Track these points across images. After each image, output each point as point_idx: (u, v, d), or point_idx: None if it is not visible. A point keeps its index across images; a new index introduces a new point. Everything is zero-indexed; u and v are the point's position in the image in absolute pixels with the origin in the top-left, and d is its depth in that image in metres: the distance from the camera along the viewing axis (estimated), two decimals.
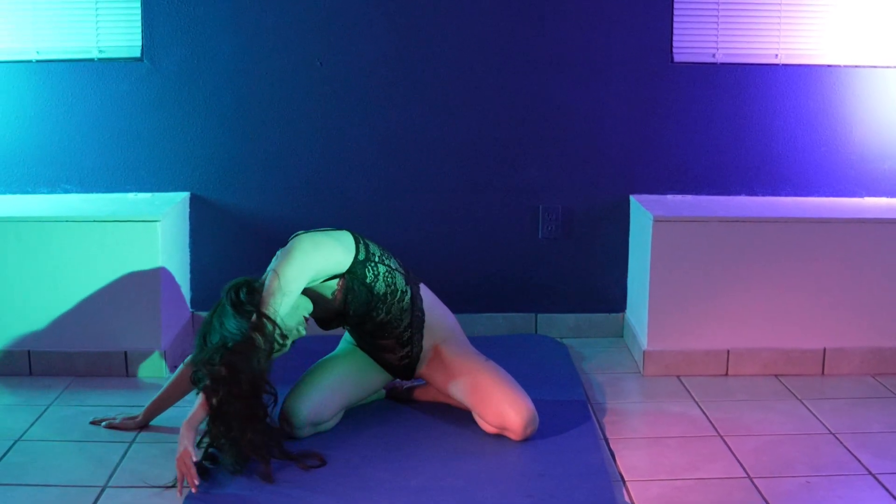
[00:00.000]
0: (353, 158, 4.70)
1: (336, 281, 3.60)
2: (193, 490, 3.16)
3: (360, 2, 4.62)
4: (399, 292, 3.68)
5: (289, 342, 3.50)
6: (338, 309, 3.65)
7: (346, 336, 3.93)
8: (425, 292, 3.80)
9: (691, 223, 4.30)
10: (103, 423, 3.73)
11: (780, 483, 3.31)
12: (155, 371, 4.26)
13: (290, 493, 3.20)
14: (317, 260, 3.51)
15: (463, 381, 3.68)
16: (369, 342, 3.78)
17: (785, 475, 3.36)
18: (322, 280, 3.58)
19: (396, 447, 3.54)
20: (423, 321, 3.75)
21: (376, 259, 3.64)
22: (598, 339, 4.82)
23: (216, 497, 3.17)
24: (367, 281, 3.60)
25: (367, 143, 4.69)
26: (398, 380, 3.94)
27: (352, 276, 3.59)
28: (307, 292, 3.59)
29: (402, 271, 3.72)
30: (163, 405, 3.71)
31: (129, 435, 3.65)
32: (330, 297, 3.61)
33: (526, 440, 3.57)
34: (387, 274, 3.65)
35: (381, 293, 3.64)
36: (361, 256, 3.60)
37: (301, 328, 3.58)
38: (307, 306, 3.61)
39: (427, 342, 3.77)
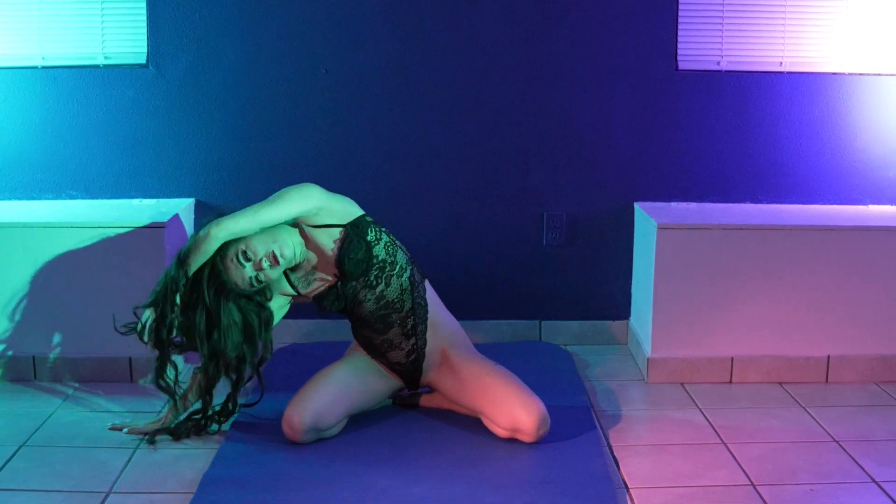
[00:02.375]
0: (357, 165, 4.70)
1: (338, 230, 3.65)
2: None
3: (365, 10, 4.63)
4: (398, 266, 3.72)
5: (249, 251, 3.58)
6: (335, 264, 3.67)
7: (353, 344, 3.93)
8: (430, 290, 3.83)
9: (695, 231, 4.30)
10: (124, 430, 3.74)
11: (783, 490, 3.31)
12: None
13: (291, 502, 3.20)
14: (315, 195, 3.64)
15: (472, 385, 3.69)
16: (374, 338, 3.78)
17: (788, 483, 3.36)
18: (323, 224, 3.64)
19: (400, 454, 3.54)
20: (427, 312, 3.78)
21: (382, 230, 3.72)
22: (602, 347, 4.82)
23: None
24: (368, 238, 3.66)
25: (371, 151, 4.70)
26: (404, 391, 3.94)
27: (354, 228, 3.66)
28: (309, 241, 3.67)
29: (407, 254, 3.77)
30: (180, 408, 3.75)
31: (133, 441, 3.66)
32: (331, 245, 3.66)
33: (536, 443, 3.57)
34: (389, 244, 3.72)
35: (379, 257, 3.68)
36: (369, 218, 3.70)
37: (279, 247, 3.61)
38: (300, 247, 3.68)
39: (433, 342, 3.79)
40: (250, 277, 3.59)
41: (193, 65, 4.63)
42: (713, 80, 4.71)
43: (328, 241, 3.67)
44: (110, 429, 3.77)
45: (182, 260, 3.57)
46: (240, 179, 4.70)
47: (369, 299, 3.71)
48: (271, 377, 4.17)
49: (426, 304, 3.79)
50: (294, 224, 3.70)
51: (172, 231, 4.32)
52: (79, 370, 4.26)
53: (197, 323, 3.60)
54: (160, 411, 3.79)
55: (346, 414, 3.71)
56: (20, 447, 3.61)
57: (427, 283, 3.83)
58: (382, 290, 3.71)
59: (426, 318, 3.79)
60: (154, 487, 3.31)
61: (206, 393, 3.72)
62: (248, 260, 3.58)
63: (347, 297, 3.72)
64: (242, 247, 3.59)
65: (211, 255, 3.56)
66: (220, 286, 3.59)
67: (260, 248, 3.59)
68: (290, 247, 3.64)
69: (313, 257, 3.72)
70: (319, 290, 3.75)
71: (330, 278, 3.72)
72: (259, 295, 3.69)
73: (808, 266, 4.30)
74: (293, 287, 3.77)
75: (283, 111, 4.68)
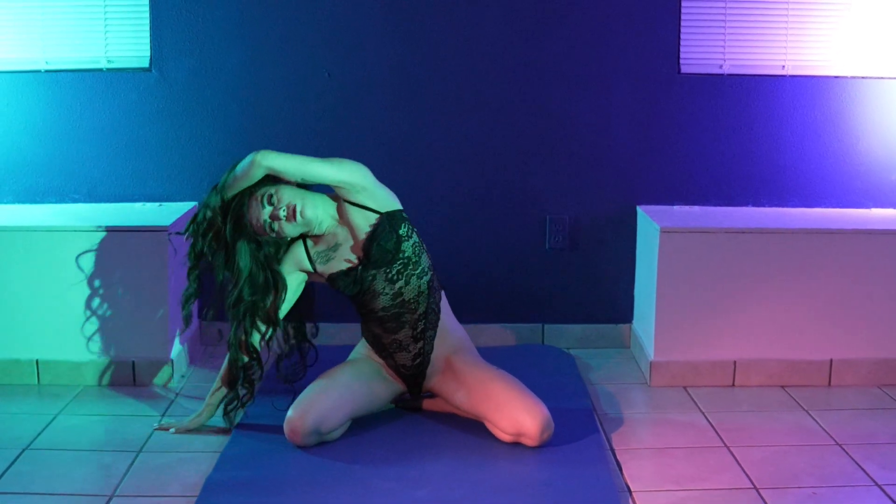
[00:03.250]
0: None
1: (374, 216, 3.69)
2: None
3: (367, 14, 4.63)
4: (421, 268, 3.75)
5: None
6: (362, 247, 3.69)
7: (357, 348, 3.94)
8: (444, 300, 3.86)
9: (698, 234, 4.30)
10: (171, 430, 3.77)
11: (786, 494, 3.31)
12: (163, 380, 4.27)
13: None
14: (365, 173, 3.71)
15: (475, 390, 3.69)
16: (384, 338, 3.79)
17: (791, 486, 3.36)
18: (362, 204, 3.68)
19: (403, 457, 3.54)
20: (438, 319, 3.80)
21: (414, 230, 3.76)
22: (605, 350, 4.82)
23: None
24: (400, 232, 3.70)
25: (374, 154, 4.69)
26: (407, 395, 3.95)
27: (389, 218, 3.70)
28: (343, 217, 3.71)
29: (430, 261, 3.81)
30: (217, 398, 3.79)
31: (137, 444, 3.66)
32: (365, 228, 3.69)
33: (540, 447, 3.57)
34: (417, 244, 3.76)
35: (405, 254, 3.71)
36: (405, 215, 3.74)
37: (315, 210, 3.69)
38: (331, 211, 3.73)
39: (439, 349, 3.80)
40: (265, 221, 3.63)
41: (196, 68, 4.64)
42: (715, 84, 4.72)
43: (363, 223, 3.70)
44: (157, 429, 3.79)
45: (220, 187, 3.66)
46: None
47: (387, 294, 3.73)
48: (272, 379, 4.19)
49: (439, 312, 3.81)
50: (335, 198, 3.75)
51: (175, 236, 4.33)
52: (82, 373, 4.26)
53: (217, 254, 3.67)
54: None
55: (349, 417, 3.71)
56: (23, 450, 3.61)
57: (443, 294, 3.85)
58: (401, 288, 3.73)
59: (437, 325, 3.80)
60: (157, 491, 3.31)
61: (244, 350, 3.72)
62: (271, 205, 3.63)
63: (364, 284, 3.73)
64: (272, 190, 3.64)
65: (248, 185, 3.64)
66: (239, 220, 3.64)
67: (285, 198, 3.63)
68: (316, 211, 3.68)
69: (341, 234, 3.75)
70: (336, 270, 3.75)
71: (354, 260, 3.73)
72: (270, 246, 3.73)
73: (810, 269, 4.30)
74: (310, 261, 3.78)
75: (285, 114, 4.68)
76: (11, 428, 3.82)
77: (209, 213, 3.66)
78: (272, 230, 3.66)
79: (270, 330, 3.74)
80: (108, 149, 4.68)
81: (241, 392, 3.73)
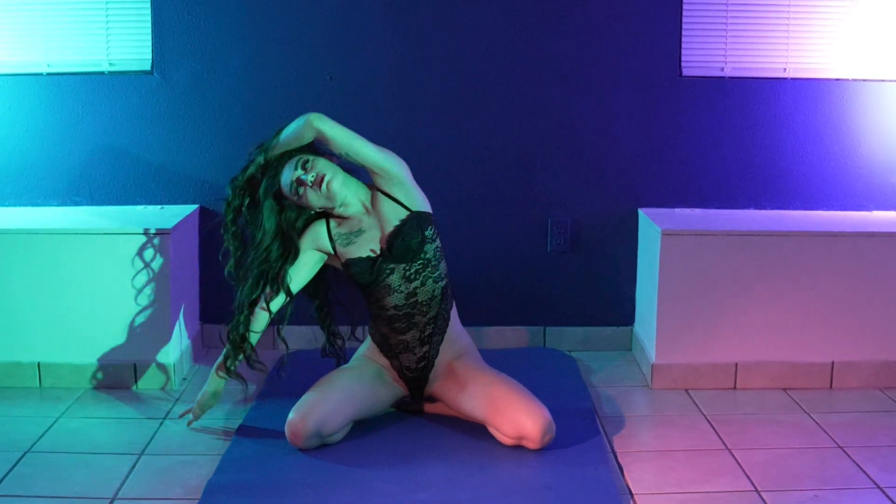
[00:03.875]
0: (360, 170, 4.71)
1: (405, 212, 3.72)
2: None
3: (369, 16, 4.64)
4: (438, 272, 3.78)
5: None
6: (386, 239, 3.72)
7: (359, 350, 3.94)
8: (454, 309, 3.89)
9: (700, 237, 4.31)
10: (190, 424, 3.84)
11: (787, 497, 3.31)
12: (165, 384, 4.27)
13: None
14: (405, 168, 3.77)
15: (476, 394, 3.69)
16: (392, 337, 3.81)
17: (793, 489, 3.36)
18: (395, 197, 3.73)
19: (404, 460, 3.54)
20: (447, 326, 3.82)
21: (438, 235, 3.80)
22: (607, 353, 4.82)
23: None
24: (426, 233, 3.74)
25: None
26: (408, 398, 3.95)
27: (418, 217, 3.74)
28: (376, 205, 3.75)
29: (447, 269, 3.85)
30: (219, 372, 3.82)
31: (139, 447, 3.66)
32: (394, 221, 3.72)
33: (542, 450, 3.57)
34: (438, 249, 3.80)
35: (426, 255, 3.74)
36: (433, 220, 3.80)
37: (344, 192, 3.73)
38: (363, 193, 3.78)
39: (444, 354, 3.82)
40: (291, 183, 3.68)
41: (198, 71, 4.64)
42: (717, 87, 4.72)
43: (392, 216, 3.74)
44: (181, 416, 3.86)
45: (266, 146, 3.76)
46: None
47: (401, 291, 3.74)
48: (274, 383, 4.19)
49: (448, 319, 3.83)
50: (370, 187, 3.78)
51: (177, 237, 4.33)
52: (83, 376, 4.26)
53: (250, 212, 3.75)
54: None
55: (350, 420, 3.71)
56: (25, 453, 3.61)
57: (454, 304, 3.88)
58: (416, 288, 3.75)
59: (444, 331, 3.82)
60: (159, 494, 3.31)
61: (251, 309, 3.77)
62: (304, 170, 3.67)
63: (380, 276, 3.74)
64: (310, 157, 3.71)
65: (294, 147, 3.73)
66: (273, 179, 3.72)
67: (319, 167, 3.69)
68: (344, 189, 3.72)
69: (367, 221, 3.77)
70: (356, 255, 3.76)
71: (376, 251, 3.75)
72: (292, 212, 3.77)
73: (812, 272, 4.30)
74: (331, 240, 3.79)
75: (287, 117, 4.64)
76: (13, 431, 3.82)
77: (251, 170, 3.73)
78: (297, 195, 3.70)
79: (284, 297, 3.76)
80: (109, 152, 4.68)
81: (246, 348, 3.77)
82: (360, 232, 3.77)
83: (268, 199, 3.72)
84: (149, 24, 4.63)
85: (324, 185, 3.67)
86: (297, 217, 3.79)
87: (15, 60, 4.66)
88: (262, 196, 3.72)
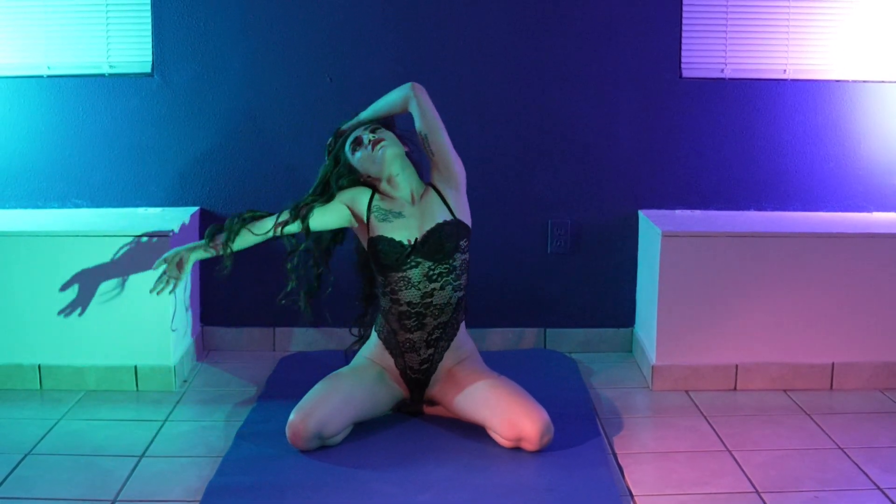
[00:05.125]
0: None
1: (450, 216, 3.81)
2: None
3: (369, 18, 4.64)
4: (459, 282, 3.83)
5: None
6: (424, 232, 3.77)
7: (360, 352, 3.94)
8: (463, 325, 3.92)
9: (700, 238, 4.31)
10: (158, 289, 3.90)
11: (788, 498, 3.31)
12: (165, 386, 4.28)
13: None
14: (464, 176, 3.91)
15: (475, 396, 3.70)
16: (400, 335, 3.82)
17: (793, 490, 3.36)
18: (446, 200, 3.83)
19: (404, 461, 3.54)
20: (456, 334, 3.85)
21: (468, 253, 3.87)
22: (607, 354, 4.82)
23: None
24: (461, 243, 3.80)
25: None
26: (408, 401, 3.95)
27: (458, 225, 3.82)
28: (427, 196, 3.84)
29: (467, 283, 3.89)
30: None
31: (139, 449, 3.66)
32: (436, 219, 3.78)
33: (540, 451, 3.57)
34: (466, 262, 3.86)
35: (454, 263, 3.80)
36: (470, 236, 3.88)
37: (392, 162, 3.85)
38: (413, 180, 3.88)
39: (447, 360, 3.83)
40: (352, 139, 3.85)
41: (198, 73, 4.65)
42: (717, 88, 4.72)
43: (437, 215, 3.80)
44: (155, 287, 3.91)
45: (367, 112, 3.95)
46: (245, 188, 4.72)
47: (419, 289, 3.77)
48: (275, 385, 4.20)
49: (458, 328, 3.85)
50: (428, 185, 3.89)
51: (178, 240, 4.33)
52: (84, 378, 4.27)
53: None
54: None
55: (352, 422, 3.71)
56: (26, 455, 3.61)
57: (464, 317, 3.92)
58: (435, 290, 3.77)
59: (452, 339, 3.84)
60: (159, 496, 3.31)
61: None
62: (370, 132, 3.84)
63: (403, 264, 3.77)
64: (382, 128, 3.89)
65: (383, 114, 3.93)
66: (343, 138, 3.92)
67: (382, 134, 3.84)
68: (397, 162, 3.83)
69: (409, 209, 3.83)
70: (388, 235, 3.79)
71: (409, 239, 3.77)
72: (344, 167, 3.89)
73: (812, 273, 4.30)
74: (368, 209, 3.84)
75: (287, 119, 4.69)
76: (13, 433, 3.82)
77: (345, 126, 3.95)
78: (352, 152, 3.85)
79: (298, 226, 3.85)
80: (110, 154, 4.69)
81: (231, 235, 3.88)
82: (399, 215, 3.82)
83: (330, 156, 3.92)
84: (149, 27, 4.64)
85: (378, 148, 3.79)
86: (347, 175, 3.89)
87: (15, 63, 4.67)
88: (327, 151, 3.97)
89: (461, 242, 3.81)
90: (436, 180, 3.88)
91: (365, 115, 3.95)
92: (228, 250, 3.85)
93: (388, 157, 3.80)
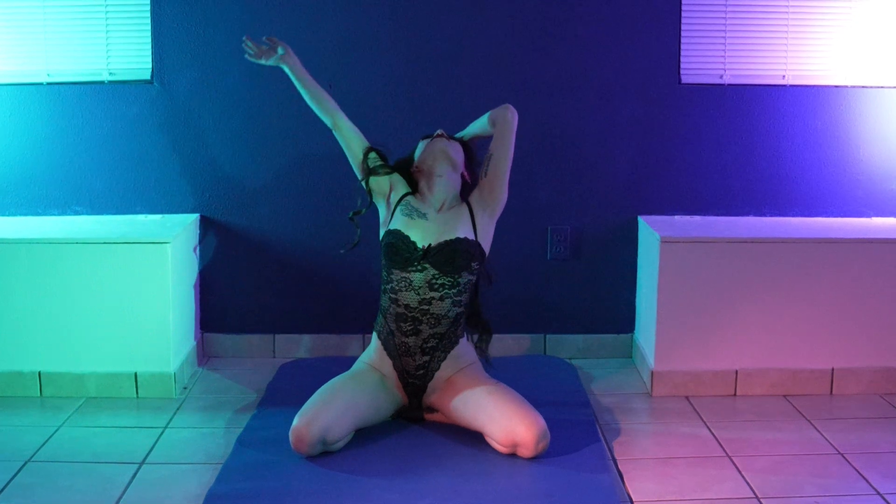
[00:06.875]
0: None
1: (473, 235, 3.85)
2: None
3: (369, 25, 4.65)
4: (460, 298, 3.85)
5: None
6: (442, 241, 3.79)
7: (361, 357, 3.94)
8: (468, 342, 3.94)
9: (699, 244, 4.31)
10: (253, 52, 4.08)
11: (788, 503, 3.31)
12: (165, 392, 4.28)
13: None
14: (502, 201, 3.98)
15: (472, 402, 3.70)
16: (397, 337, 3.82)
17: (793, 495, 3.36)
18: (476, 216, 3.90)
19: (405, 468, 3.54)
20: (454, 347, 3.85)
21: (477, 279, 3.91)
22: (607, 360, 4.82)
23: None
24: (473, 265, 3.84)
25: None
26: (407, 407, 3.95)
27: (476, 247, 3.84)
28: (458, 213, 3.89)
29: (471, 306, 3.94)
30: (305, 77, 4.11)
31: (139, 456, 3.66)
32: (458, 231, 3.82)
33: (537, 457, 3.57)
34: (471, 284, 3.90)
35: (459, 280, 3.82)
36: (485, 263, 3.91)
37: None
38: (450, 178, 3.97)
39: (445, 370, 3.83)
40: (433, 134, 4.04)
41: (198, 80, 4.65)
42: (716, 94, 4.72)
43: (459, 229, 3.84)
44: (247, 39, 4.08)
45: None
46: (245, 195, 4.72)
47: (419, 294, 3.78)
48: (275, 392, 4.20)
49: (455, 341, 3.86)
50: (467, 201, 3.96)
51: (177, 247, 4.34)
52: (84, 385, 4.27)
53: None
54: None
55: (354, 428, 3.71)
56: (26, 463, 3.61)
57: (466, 337, 3.93)
58: (434, 298, 3.79)
59: (448, 349, 3.84)
60: (159, 503, 3.31)
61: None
62: (446, 138, 4.01)
63: (408, 263, 3.78)
64: (455, 139, 4.05)
65: (475, 133, 4.11)
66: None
67: (452, 143, 4.00)
68: (447, 165, 3.93)
69: (434, 214, 3.88)
70: (405, 228, 3.82)
71: (424, 242, 3.79)
72: (411, 157, 4.08)
73: (811, 278, 4.31)
74: (400, 199, 3.95)
75: (287, 127, 4.69)
76: (14, 440, 3.82)
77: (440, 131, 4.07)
78: (430, 137, 4.01)
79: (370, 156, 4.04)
80: (109, 161, 4.69)
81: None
82: (423, 216, 3.86)
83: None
84: (148, 34, 4.64)
85: (439, 142, 3.95)
86: (408, 164, 4.06)
87: (15, 70, 4.67)
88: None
89: (473, 263, 3.82)
90: (474, 199, 3.93)
91: (466, 134, 4.15)
92: (305, 81, 4.07)
93: (440, 154, 3.92)
